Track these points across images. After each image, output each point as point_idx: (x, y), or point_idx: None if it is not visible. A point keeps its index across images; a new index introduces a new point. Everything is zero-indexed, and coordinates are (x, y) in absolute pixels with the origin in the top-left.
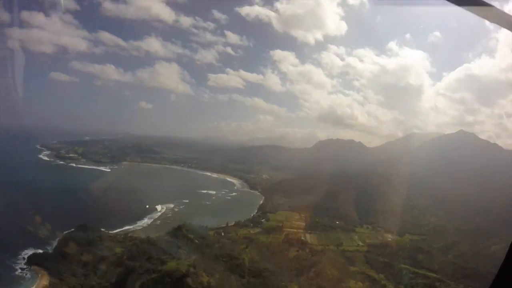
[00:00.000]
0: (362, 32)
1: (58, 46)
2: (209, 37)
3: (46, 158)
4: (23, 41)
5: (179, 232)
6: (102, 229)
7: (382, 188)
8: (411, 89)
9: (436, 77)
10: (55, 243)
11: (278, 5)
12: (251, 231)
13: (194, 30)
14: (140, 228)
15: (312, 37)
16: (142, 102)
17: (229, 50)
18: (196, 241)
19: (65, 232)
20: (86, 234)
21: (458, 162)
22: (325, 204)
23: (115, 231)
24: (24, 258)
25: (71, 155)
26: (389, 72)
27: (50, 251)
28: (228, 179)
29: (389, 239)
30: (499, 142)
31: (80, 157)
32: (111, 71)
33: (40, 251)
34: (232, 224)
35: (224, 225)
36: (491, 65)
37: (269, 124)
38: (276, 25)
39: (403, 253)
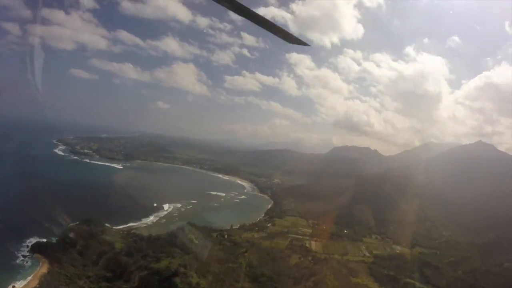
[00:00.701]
0: (379, 36)
1: (78, 44)
2: (225, 38)
3: (60, 153)
4: (44, 37)
5: (181, 231)
6: (107, 224)
7: (396, 197)
8: (429, 97)
9: (455, 84)
10: (59, 234)
11: (294, 6)
12: (255, 235)
13: (211, 31)
14: (144, 225)
15: (328, 40)
16: (159, 102)
17: (245, 51)
18: (196, 241)
19: (70, 224)
20: (89, 227)
21: (475, 173)
22: (334, 211)
23: (119, 227)
24: (28, 246)
25: (86, 151)
26: (407, 78)
27: (54, 241)
28: (239, 181)
29: (398, 251)
30: None
31: (94, 153)
32: (129, 70)
33: (44, 240)
34: (237, 227)
35: (228, 228)
36: (511, 73)
37: (285, 129)
38: (292, 27)
39: (410, 266)
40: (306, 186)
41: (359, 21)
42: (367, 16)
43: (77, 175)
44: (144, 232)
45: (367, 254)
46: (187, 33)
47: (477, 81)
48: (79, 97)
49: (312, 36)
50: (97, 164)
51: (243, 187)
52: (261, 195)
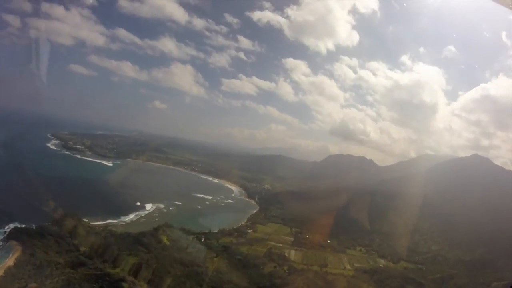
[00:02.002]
0: (374, 44)
1: (77, 39)
2: (221, 40)
3: (53, 147)
4: (44, 31)
5: (154, 231)
6: (85, 219)
7: (386, 209)
8: (426, 107)
9: (452, 96)
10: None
11: (289, 11)
12: (234, 241)
13: (207, 33)
14: (122, 223)
15: (323, 46)
16: (156, 102)
17: (241, 55)
18: (167, 242)
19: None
20: (66, 221)
21: (469, 187)
22: (321, 221)
23: (97, 223)
24: (5, 232)
25: (78, 146)
26: (403, 88)
27: (33, 227)
28: (228, 185)
29: (381, 265)
30: None
31: (86, 149)
32: (127, 68)
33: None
34: (216, 231)
35: (206, 231)
36: (509, 86)
37: (282, 134)
38: (288, 32)
39: (392, 282)
40: (296, 193)
41: (353, 27)
42: (361, 23)
43: (65, 169)
44: (120, 229)
45: (348, 267)
46: (183, 33)
47: (474, 93)
48: (77, 93)
49: (308, 41)
50: (87, 160)
51: (231, 191)
52: (248, 200)
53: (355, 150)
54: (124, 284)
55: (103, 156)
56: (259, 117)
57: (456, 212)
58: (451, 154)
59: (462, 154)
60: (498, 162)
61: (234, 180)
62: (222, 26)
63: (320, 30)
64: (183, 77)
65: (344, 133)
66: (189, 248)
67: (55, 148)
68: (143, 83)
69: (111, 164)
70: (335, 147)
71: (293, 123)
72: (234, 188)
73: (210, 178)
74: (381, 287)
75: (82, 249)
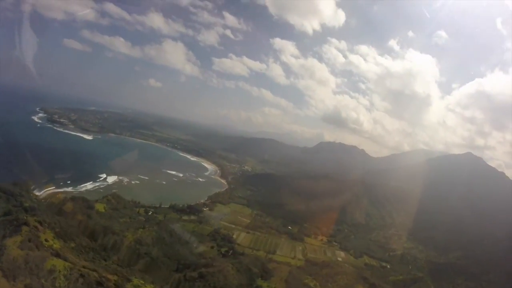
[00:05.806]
0: (361, 24)
1: (67, 14)
2: (207, 16)
3: (37, 120)
4: (35, 6)
5: (102, 200)
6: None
7: (365, 200)
8: (419, 99)
9: (446, 88)
10: None
11: None
12: (184, 217)
13: (192, 9)
14: (76, 192)
15: (309, 25)
16: (151, 80)
17: (228, 33)
18: (103, 210)
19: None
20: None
21: (458, 186)
22: (289, 206)
23: (51, 189)
24: None
25: (62, 120)
26: (395, 76)
27: None
28: (205, 164)
29: (339, 258)
30: (508, 173)
31: (70, 123)
32: (120, 44)
33: None
34: (167, 206)
35: (157, 205)
36: (506, 82)
37: (278, 119)
38: (272, 9)
39: (342, 279)
40: (274, 177)
41: (338, 5)
42: (346, 0)
43: (41, 140)
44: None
45: (299, 257)
46: (169, 9)
47: (469, 88)
48: (73, 68)
49: (293, 20)
50: (68, 133)
51: (206, 170)
52: (220, 179)
53: (350, 139)
54: (25, 227)
55: (86, 130)
56: (253, 99)
57: (439, 210)
58: (445, 151)
59: (456, 151)
60: (492, 163)
61: (213, 159)
62: (207, 2)
63: (303, 7)
64: (175, 55)
65: (337, 120)
66: (124, 218)
67: (39, 121)
68: (137, 60)
69: (91, 138)
70: (331, 135)
71: (288, 107)
72: (210, 167)
73: (189, 156)
74: (326, 283)
75: (24, 205)
